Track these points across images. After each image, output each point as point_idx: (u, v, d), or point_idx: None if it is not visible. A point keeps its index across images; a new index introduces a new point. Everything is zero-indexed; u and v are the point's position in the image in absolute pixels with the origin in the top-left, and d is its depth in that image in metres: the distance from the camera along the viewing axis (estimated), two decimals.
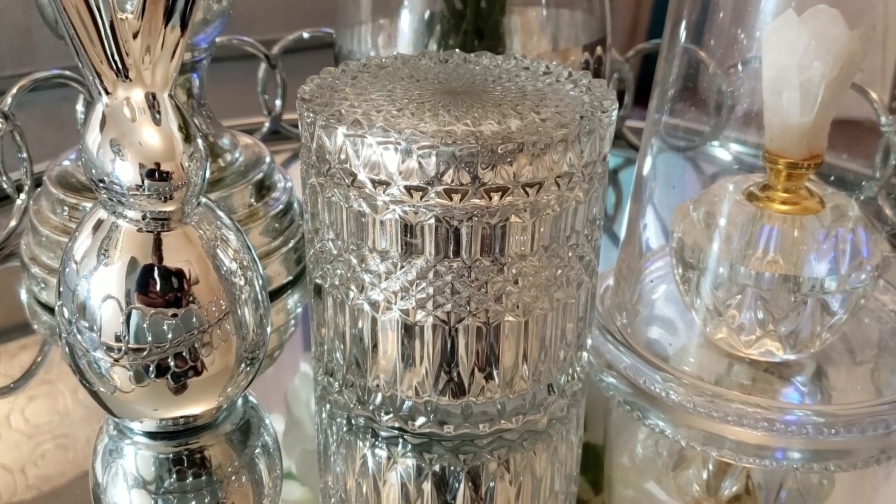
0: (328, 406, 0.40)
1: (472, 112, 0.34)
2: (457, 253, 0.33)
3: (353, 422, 0.39)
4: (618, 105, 0.36)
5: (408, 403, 0.37)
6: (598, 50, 0.55)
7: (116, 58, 0.32)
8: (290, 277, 0.51)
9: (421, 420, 0.37)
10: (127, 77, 0.32)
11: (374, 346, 0.36)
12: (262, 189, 0.50)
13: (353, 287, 0.36)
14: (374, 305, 0.35)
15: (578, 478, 0.39)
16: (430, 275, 0.34)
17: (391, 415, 0.37)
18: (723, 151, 0.57)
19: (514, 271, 0.34)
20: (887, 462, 0.37)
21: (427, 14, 0.54)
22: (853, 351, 0.43)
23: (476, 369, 0.36)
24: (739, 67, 0.50)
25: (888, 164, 0.50)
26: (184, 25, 0.31)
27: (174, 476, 0.37)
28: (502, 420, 0.37)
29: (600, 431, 0.41)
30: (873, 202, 0.51)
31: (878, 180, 0.51)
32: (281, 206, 0.51)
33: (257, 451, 0.39)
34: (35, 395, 0.44)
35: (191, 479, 0.37)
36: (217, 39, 0.51)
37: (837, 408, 0.38)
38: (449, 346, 0.35)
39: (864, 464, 0.37)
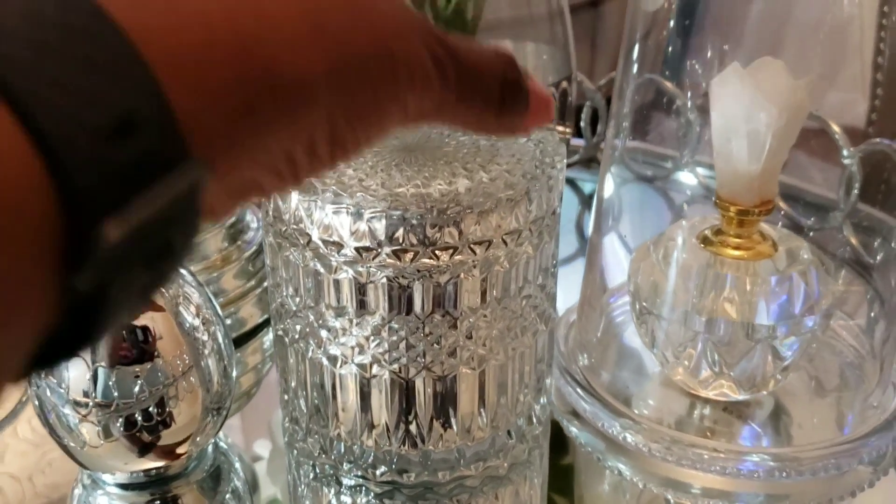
0: (295, 452, 0.41)
1: (424, 171, 0.34)
2: (409, 310, 0.34)
3: (317, 469, 0.40)
4: (565, 161, 0.37)
5: (369, 453, 0.38)
6: (564, 84, 0.55)
7: None
8: (265, 317, 0.52)
9: (382, 469, 0.38)
10: None
11: (334, 397, 0.37)
12: (235, 232, 0.51)
13: (311, 341, 0.36)
14: (333, 360, 0.36)
15: None
16: (385, 331, 0.35)
17: (353, 464, 0.38)
18: (689, 177, 0.58)
19: (467, 325, 0.35)
20: (839, 502, 0.38)
21: None
22: (813, 386, 0.44)
23: (433, 419, 0.37)
24: (689, 102, 0.51)
25: (851, 195, 0.51)
26: None
27: None
28: (462, 467, 0.38)
29: (570, 458, 0.42)
30: (839, 231, 0.52)
31: (842, 211, 0.52)
32: (254, 248, 0.52)
33: (228, 496, 0.40)
34: None
35: None
36: None
37: (794, 450, 0.39)
38: (406, 398, 0.36)
39: None
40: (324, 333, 0.36)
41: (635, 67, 0.46)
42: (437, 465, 0.38)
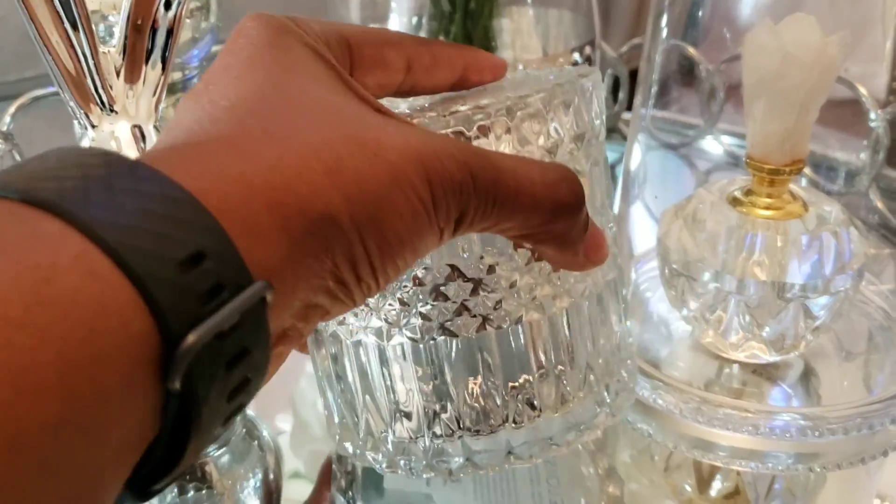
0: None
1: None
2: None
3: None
4: (613, 99, 0.36)
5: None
6: (588, 50, 0.55)
7: (101, 92, 0.32)
8: None
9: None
10: (112, 111, 0.33)
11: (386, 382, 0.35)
12: None
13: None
14: (379, 333, 0.35)
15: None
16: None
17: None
18: (713, 144, 0.57)
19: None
20: (871, 461, 0.38)
21: (415, 19, 0.54)
22: (842, 348, 0.44)
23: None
24: (722, 65, 0.50)
25: (877, 158, 0.51)
26: (164, 62, 0.32)
27: (175, 491, 0.38)
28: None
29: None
30: (865, 195, 0.52)
31: (868, 174, 0.51)
32: None
33: (256, 462, 0.40)
34: None
35: (192, 493, 0.38)
36: (213, 49, 0.52)
37: (824, 409, 0.39)
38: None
39: (848, 464, 0.38)
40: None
41: (664, 33, 0.45)
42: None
